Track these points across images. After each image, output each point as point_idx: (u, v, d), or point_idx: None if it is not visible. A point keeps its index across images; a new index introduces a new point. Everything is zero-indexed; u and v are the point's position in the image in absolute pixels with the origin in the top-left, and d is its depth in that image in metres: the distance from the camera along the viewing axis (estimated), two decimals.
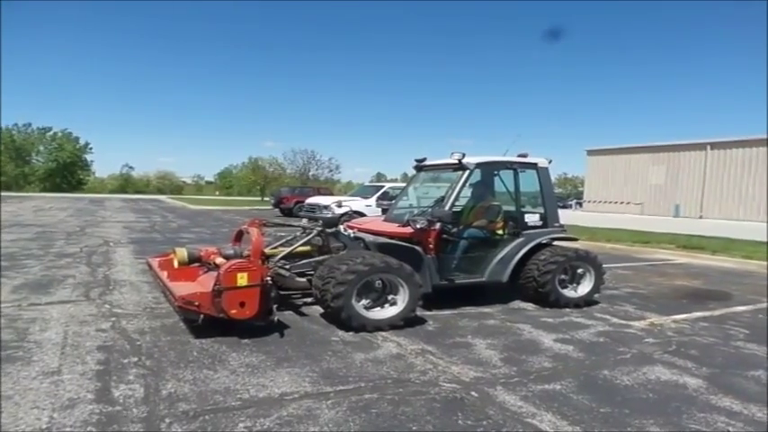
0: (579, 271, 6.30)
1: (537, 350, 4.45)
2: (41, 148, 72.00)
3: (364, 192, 18.43)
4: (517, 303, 6.20)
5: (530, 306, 6.12)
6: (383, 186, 17.70)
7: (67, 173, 71.12)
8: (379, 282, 4.92)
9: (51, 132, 72.02)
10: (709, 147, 23.12)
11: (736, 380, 3.89)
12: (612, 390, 3.60)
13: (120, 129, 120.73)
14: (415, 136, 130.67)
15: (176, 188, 78.77)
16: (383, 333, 4.71)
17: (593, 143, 31.73)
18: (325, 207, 16.07)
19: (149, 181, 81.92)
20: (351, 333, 4.70)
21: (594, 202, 27.65)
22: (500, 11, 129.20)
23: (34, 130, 71.76)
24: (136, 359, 3.86)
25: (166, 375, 3.54)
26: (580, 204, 30.50)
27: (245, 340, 4.35)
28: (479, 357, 4.19)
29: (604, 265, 6.55)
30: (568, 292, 6.18)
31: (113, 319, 4.96)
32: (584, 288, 6.30)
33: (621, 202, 25.99)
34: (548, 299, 6.02)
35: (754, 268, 10.39)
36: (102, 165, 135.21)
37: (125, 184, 79.30)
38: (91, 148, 75.28)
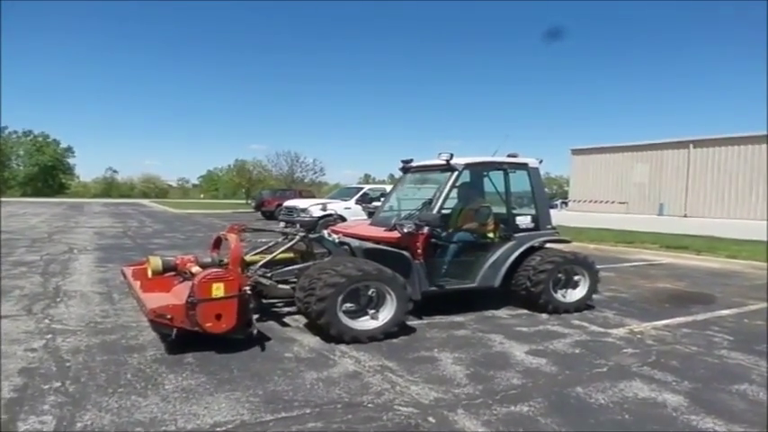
0: (574, 277, 6.01)
1: (506, 364, 4.11)
2: (21, 152, 70.64)
3: (343, 194, 18.02)
4: (491, 311, 5.87)
5: (503, 314, 5.80)
6: (363, 188, 17.30)
7: (49, 177, 69.90)
8: (373, 291, 4.64)
9: (31, 136, 70.72)
10: (691, 145, 23.08)
11: (720, 395, 3.59)
12: (585, 410, 3.28)
13: (105, 132, 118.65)
14: (402, 137, 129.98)
15: (161, 191, 77.60)
16: (342, 348, 4.35)
17: (575, 142, 31.67)
18: (303, 210, 15.65)
19: (134, 185, 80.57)
20: (306, 348, 4.35)
21: (580, 201, 27.49)
22: (483, 12, 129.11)
23: (12, 134, 70.33)
24: (59, 384, 3.46)
25: (88, 404, 3.15)
26: (566, 204, 30.32)
27: (189, 358, 3.97)
28: (443, 374, 3.85)
29: None
30: (562, 297, 5.89)
31: (49, 336, 4.55)
32: (579, 293, 6.01)
33: (606, 202, 25.86)
34: (541, 304, 5.73)
35: (739, 268, 10.21)
36: (88, 168, 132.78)
37: (109, 188, 77.87)
38: (73, 152, 74.18)
